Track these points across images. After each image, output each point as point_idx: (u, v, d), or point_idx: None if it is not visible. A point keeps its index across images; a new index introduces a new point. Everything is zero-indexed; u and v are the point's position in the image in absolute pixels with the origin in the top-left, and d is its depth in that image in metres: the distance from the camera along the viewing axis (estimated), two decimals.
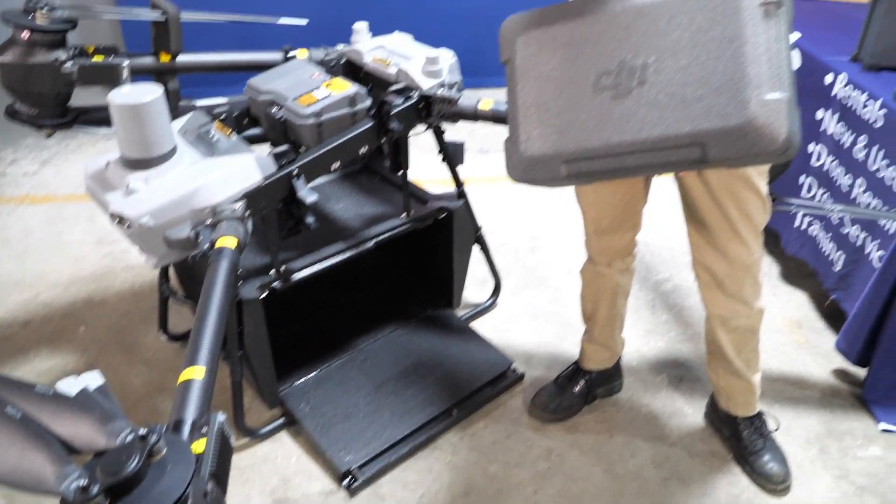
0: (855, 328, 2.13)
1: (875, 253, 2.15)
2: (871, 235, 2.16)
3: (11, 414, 0.86)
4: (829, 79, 2.41)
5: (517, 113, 1.41)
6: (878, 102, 2.15)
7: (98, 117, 2.00)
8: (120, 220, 1.56)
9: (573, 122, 1.33)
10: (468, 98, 1.94)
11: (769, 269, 2.73)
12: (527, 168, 1.40)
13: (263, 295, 1.79)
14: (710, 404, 2.07)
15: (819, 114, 2.47)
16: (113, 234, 2.89)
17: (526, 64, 1.39)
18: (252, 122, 2.05)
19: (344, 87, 1.86)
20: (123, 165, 1.65)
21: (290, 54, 2.20)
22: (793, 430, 2.05)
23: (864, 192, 2.22)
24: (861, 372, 2.20)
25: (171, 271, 2.20)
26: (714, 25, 1.21)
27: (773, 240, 2.72)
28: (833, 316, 2.44)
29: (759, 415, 1.97)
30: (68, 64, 1.81)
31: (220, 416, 0.97)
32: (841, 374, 2.26)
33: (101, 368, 1.19)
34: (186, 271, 2.10)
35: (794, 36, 1.22)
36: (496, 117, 1.92)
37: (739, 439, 1.95)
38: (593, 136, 1.31)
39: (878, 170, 2.14)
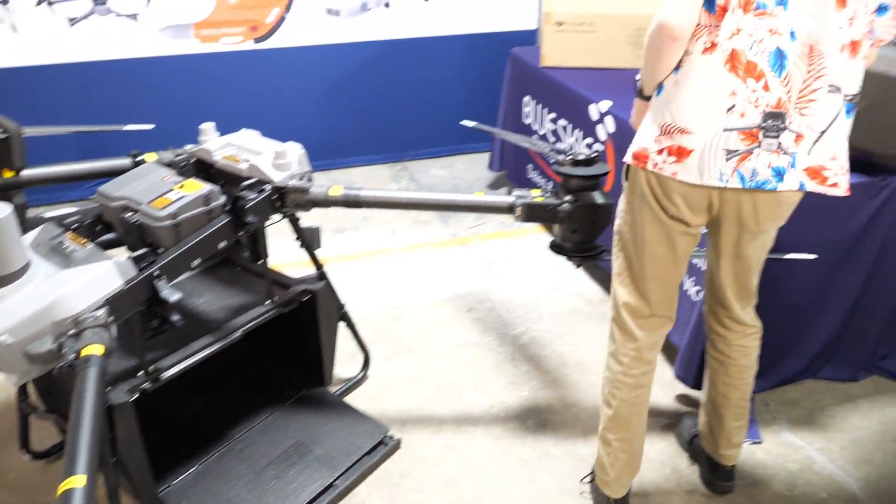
0: (688, 357, 2.39)
1: (692, 288, 2.45)
2: (688, 273, 2.45)
3: None
4: None
5: None
6: None
7: None
8: None
9: None
10: (319, 186, 2.08)
11: (604, 312, 2.98)
12: None
13: (134, 398, 1.80)
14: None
15: None
16: None
17: None
18: (106, 227, 2.08)
19: (197, 187, 1.94)
20: None
21: (139, 158, 2.25)
22: (648, 454, 2.25)
23: None
24: (700, 394, 2.45)
25: (30, 387, 2.14)
26: None
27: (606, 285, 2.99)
28: (665, 348, 2.70)
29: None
30: None
31: None
32: (684, 398, 2.52)
33: None
34: (47, 385, 2.05)
35: None
36: (347, 202, 2.07)
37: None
38: None
39: None
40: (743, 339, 1.95)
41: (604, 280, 3.14)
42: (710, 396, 2.06)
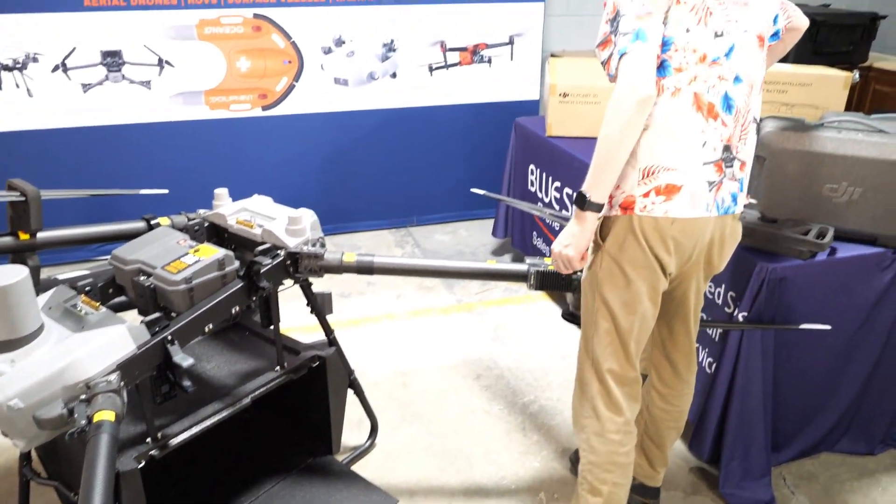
0: (702, 431, 2.36)
1: (706, 360, 2.43)
2: (701, 344, 2.42)
3: None
4: None
5: None
6: None
7: None
8: None
9: None
10: (332, 252, 2.09)
11: None
12: None
13: (141, 465, 1.76)
14: None
15: None
16: None
17: None
18: (118, 290, 2.07)
19: (212, 252, 1.95)
20: None
21: (153, 222, 2.26)
22: None
23: None
24: (714, 469, 2.40)
25: (33, 452, 2.10)
26: None
27: None
28: None
29: None
30: None
31: None
32: (698, 471, 2.46)
33: None
34: (51, 451, 2.01)
35: None
36: (360, 268, 2.07)
37: None
38: None
39: None
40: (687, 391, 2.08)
41: None
42: (647, 431, 2.15)
